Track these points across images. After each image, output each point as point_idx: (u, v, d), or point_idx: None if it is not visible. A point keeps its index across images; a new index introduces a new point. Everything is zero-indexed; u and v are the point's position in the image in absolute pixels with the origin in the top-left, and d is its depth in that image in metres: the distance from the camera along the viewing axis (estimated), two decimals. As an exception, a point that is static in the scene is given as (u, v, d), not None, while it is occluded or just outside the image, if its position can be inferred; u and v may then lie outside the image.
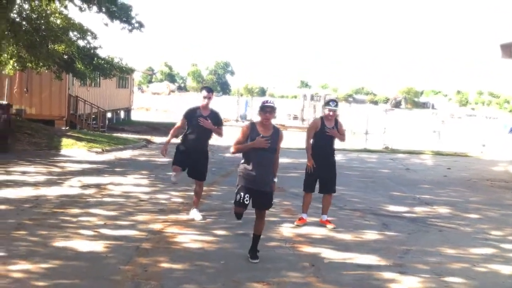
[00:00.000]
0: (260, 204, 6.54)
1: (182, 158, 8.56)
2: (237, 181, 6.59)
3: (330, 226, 8.50)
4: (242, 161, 6.57)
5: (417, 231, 8.62)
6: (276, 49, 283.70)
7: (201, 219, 8.47)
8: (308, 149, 8.66)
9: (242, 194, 6.42)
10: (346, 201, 10.77)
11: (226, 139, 8.86)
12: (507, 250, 7.72)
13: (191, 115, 8.48)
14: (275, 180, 6.64)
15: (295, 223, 8.55)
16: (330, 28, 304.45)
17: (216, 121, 8.51)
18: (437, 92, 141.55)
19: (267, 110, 6.40)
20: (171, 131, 8.70)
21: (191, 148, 8.50)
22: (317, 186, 8.83)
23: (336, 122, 8.64)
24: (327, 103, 8.80)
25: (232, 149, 6.60)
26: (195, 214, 8.56)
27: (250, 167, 6.42)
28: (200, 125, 8.34)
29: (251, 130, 6.47)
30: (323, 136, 8.55)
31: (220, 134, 8.56)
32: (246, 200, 6.42)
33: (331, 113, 8.54)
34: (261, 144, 6.31)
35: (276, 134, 6.51)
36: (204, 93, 8.50)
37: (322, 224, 8.62)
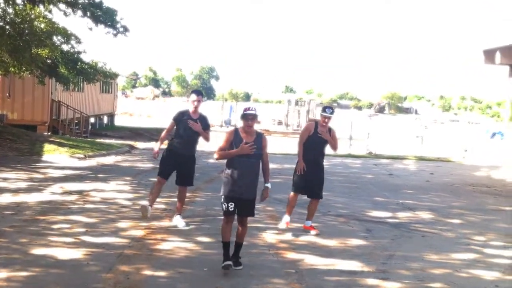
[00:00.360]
0: (242, 211, 6.50)
1: (168, 167, 8.55)
2: (221, 189, 6.53)
3: (313, 232, 8.49)
4: (226, 169, 6.53)
5: (400, 237, 8.65)
6: (261, 55, 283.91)
7: (184, 226, 8.42)
8: (300, 152, 8.65)
9: (226, 203, 6.38)
10: (330, 207, 10.78)
11: (210, 145, 8.84)
12: (489, 255, 7.77)
13: (180, 118, 8.47)
14: (268, 186, 6.61)
15: (283, 227, 8.55)
16: (315, 33, 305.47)
17: (204, 125, 8.51)
18: (420, 98, 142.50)
19: (248, 118, 6.38)
20: (162, 136, 8.70)
21: (179, 152, 8.47)
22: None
23: (330, 129, 8.65)
24: (323, 110, 8.73)
25: (215, 155, 6.57)
26: (178, 221, 8.51)
27: (234, 174, 6.38)
28: (188, 129, 8.34)
29: (235, 136, 6.45)
30: (315, 141, 8.56)
31: (207, 138, 8.56)
32: (231, 208, 6.37)
33: (326, 119, 8.54)
34: (244, 150, 6.28)
35: (259, 140, 6.47)
36: (193, 96, 8.48)
37: (305, 230, 8.62)
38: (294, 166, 8.86)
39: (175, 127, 8.56)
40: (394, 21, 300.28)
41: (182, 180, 8.66)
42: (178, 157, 8.47)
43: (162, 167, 8.67)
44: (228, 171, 6.44)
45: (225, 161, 6.59)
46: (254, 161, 6.42)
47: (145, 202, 8.77)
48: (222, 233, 6.46)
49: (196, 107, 8.45)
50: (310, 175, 8.57)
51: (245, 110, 6.46)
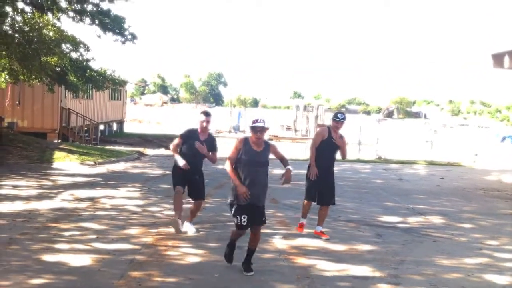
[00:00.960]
0: (254, 219, 6.51)
1: (181, 179, 8.55)
2: (231, 197, 6.56)
3: (324, 237, 8.47)
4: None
5: (411, 242, 8.61)
6: (269, 60, 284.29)
7: (195, 232, 8.43)
8: (312, 157, 8.65)
9: (238, 217, 6.43)
10: (340, 212, 10.75)
11: (220, 151, 8.82)
12: (501, 260, 7.72)
13: (188, 137, 8.49)
14: (290, 168, 6.71)
15: (296, 230, 8.72)
16: (323, 39, 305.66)
17: (212, 146, 8.50)
18: (429, 102, 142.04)
19: (257, 130, 6.44)
20: (172, 149, 8.69)
21: (192, 171, 8.46)
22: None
23: (341, 136, 8.65)
24: (335, 116, 8.76)
25: (227, 165, 6.57)
26: (188, 227, 8.51)
27: (244, 184, 6.43)
28: (193, 149, 8.33)
29: (244, 145, 6.50)
30: (328, 146, 8.58)
31: (213, 160, 8.56)
32: (244, 222, 6.42)
33: (338, 125, 8.57)
34: (241, 195, 6.34)
35: (267, 149, 6.59)
36: (202, 117, 8.49)
37: (316, 236, 8.60)
38: (304, 171, 8.85)
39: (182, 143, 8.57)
40: (404, 27, 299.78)
41: (193, 193, 8.69)
42: (185, 174, 8.45)
43: (175, 179, 8.65)
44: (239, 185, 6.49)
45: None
46: (262, 170, 6.51)
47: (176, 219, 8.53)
48: (231, 237, 6.71)
49: (204, 128, 8.46)
50: (321, 182, 8.58)
51: (254, 122, 6.51)
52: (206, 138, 8.46)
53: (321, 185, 8.59)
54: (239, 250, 7.23)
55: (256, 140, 6.48)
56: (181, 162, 8.39)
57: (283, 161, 6.76)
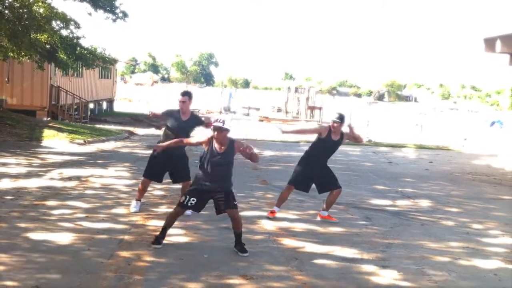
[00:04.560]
0: (224, 204, 6.65)
1: (159, 168, 8.47)
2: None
3: (333, 220, 8.58)
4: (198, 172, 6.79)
5: (399, 225, 8.67)
6: (261, 41, 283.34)
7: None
8: (292, 131, 8.60)
9: (188, 196, 6.64)
10: (329, 194, 10.78)
11: (210, 130, 8.77)
12: (488, 244, 7.80)
13: (169, 116, 8.42)
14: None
15: (267, 215, 8.56)
16: (315, 20, 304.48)
17: (196, 123, 8.42)
18: (420, 85, 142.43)
19: (215, 129, 6.50)
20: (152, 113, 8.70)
21: (170, 153, 8.34)
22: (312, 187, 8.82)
23: (342, 135, 8.54)
24: (335, 117, 8.50)
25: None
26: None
27: (205, 179, 6.63)
28: (178, 129, 8.22)
29: (210, 144, 6.63)
30: (325, 146, 8.50)
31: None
32: (191, 203, 6.63)
33: (335, 124, 8.39)
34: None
35: (231, 148, 6.61)
36: (179, 97, 8.38)
37: (304, 218, 8.64)
38: (295, 153, 8.87)
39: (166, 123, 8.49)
40: (395, 9, 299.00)
41: (178, 177, 8.55)
42: (171, 157, 8.27)
43: (152, 168, 8.53)
44: (200, 175, 6.71)
45: None
46: (224, 168, 6.64)
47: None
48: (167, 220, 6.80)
49: (180, 107, 8.32)
50: (316, 171, 8.56)
51: (214, 121, 6.61)
52: (187, 118, 8.34)
53: (315, 174, 8.55)
54: (229, 231, 7.26)
55: (217, 140, 6.57)
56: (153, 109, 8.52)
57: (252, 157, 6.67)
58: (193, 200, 6.60)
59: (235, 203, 6.69)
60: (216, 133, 6.49)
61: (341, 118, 8.42)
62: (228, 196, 6.64)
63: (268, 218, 8.46)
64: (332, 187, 8.62)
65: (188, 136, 8.18)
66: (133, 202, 8.59)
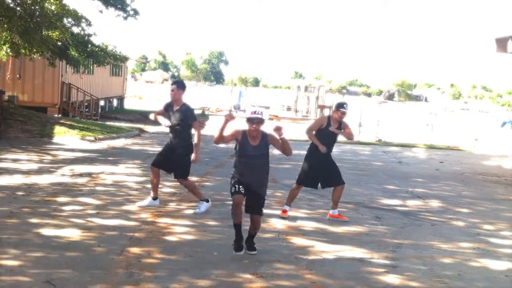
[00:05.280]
0: (252, 207, 6.47)
1: (161, 158, 8.53)
2: (232, 172, 6.62)
3: (343, 219, 8.54)
4: (233, 169, 6.60)
5: (409, 225, 8.65)
6: (271, 40, 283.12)
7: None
8: (312, 137, 8.55)
9: (237, 185, 6.33)
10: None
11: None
12: (499, 245, 7.76)
13: (166, 109, 8.49)
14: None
15: (281, 214, 8.53)
16: (325, 19, 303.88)
17: (185, 117, 8.31)
18: (430, 85, 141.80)
19: (254, 121, 6.29)
20: (154, 116, 8.83)
21: (172, 146, 8.43)
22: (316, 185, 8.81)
23: (340, 123, 8.54)
24: (341, 106, 8.51)
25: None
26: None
27: (242, 174, 6.42)
28: (173, 121, 8.29)
29: (242, 137, 6.40)
30: (326, 135, 8.50)
31: (197, 130, 8.43)
32: (242, 189, 6.29)
33: (339, 113, 8.43)
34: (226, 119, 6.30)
35: (264, 141, 6.43)
36: (170, 86, 8.45)
37: (314, 217, 8.64)
38: (305, 152, 8.84)
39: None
40: (406, 9, 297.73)
41: (174, 171, 8.57)
42: (173, 151, 8.38)
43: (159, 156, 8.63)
44: (236, 171, 6.51)
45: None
46: (260, 162, 6.46)
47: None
48: (233, 219, 6.40)
49: (173, 97, 8.34)
50: (322, 167, 8.54)
51: (251, 113, 6.37)
52: (177, 108, 8.34)
53: (320, 170, 8.53)
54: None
55: (253, 132, 6.34)
56: (164, 121, 8.39)
57: (286, 148, 6.54)
58: (240, 186, 6.31)
59: (262, 209, 6.56)
60: (254, 125, 6.28)
61: (346, 107, 8.46)
62: (259, 200, 6.49)
63: (281, 217, 8.45)
64: (335, 183, 8.59)
65: (181, 127, 8.22)
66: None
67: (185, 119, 8.31)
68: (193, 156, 8.25)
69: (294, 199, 8.82)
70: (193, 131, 8.49)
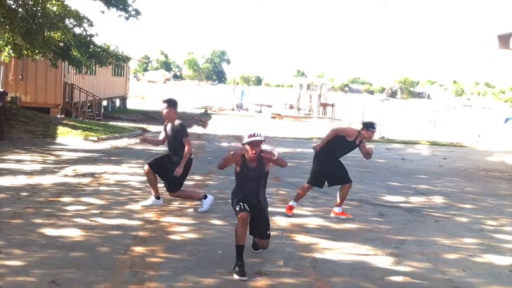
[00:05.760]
0: (260, 231, 6.33)
1: (158, 163, 8.59)
2: (232, 198, 6.38)
3: (346, 217, 8.55)
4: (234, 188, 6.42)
5: (413, 221, 8.65)
6: (273, 38, 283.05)
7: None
8: (320, 144, 8.61)
9: (241, 203, 6.08)
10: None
11: (225, 128, 8.79)
12: (502, 241, 7.76)
13: (164, 126, 8.64)
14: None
15: (286, 213, 8.52)
16: (327, 17, 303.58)
17: (176, 136, 8.36)
18: (433, 82, 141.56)
19: (254, 144, 6.07)
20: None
21: (169, 159, 8.49)
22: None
23: (361, 142, 8.69)
24: (371, 125, 8.64)
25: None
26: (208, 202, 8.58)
27: (246, 196, 6.19)
28: (168, 135, 8.47)
29: (242, 160, 6.21)
30: (347, 146, 8.63)
31: (187, 149, 8.32)
32: (247, 208, 6.04)
33: (369, 133, 8.64)
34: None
35: (260, 161, 6.21)
36: (162, 105, 8.55)
37: (317, 214, 8.65)
38: (307, 150, 8.87)
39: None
40: (408, 5, 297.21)
41: (168, 184, 8.57)
42: (165, 162, 8.51)
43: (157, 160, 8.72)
44: (239, 192, 6.29)
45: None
46: (261, 182, 6.31)
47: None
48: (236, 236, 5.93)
49: (165, 116, 8.46)
50: (329, 168, 8.58)
51: (250, 136, 6.08)
52: (170, 126, 8.45)
53: (330, 168, 8.57)
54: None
55: (253, 156, 6.11)
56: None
57: (280, 163, 6.47)
58: (246, 204, 6.05)
59: (269, 232, 6.37)
60: (254, 151, 6.07)
61: (376, 126, 8.72)
62: (266, 222, 6.33)
63: (286, 215, 8.46)
64: (342, 181, 8.62)
65: (176, 143, 8.32)
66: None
67: (178, 136, 8.38)
68: (177, 168, 8.24)
69: (301, 198, 8.85)
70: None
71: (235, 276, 5.63)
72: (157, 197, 8.64)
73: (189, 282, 5.41)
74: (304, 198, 9.29)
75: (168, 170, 8.36)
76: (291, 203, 8.67)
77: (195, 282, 5.43)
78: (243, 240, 5.88)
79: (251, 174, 6.20)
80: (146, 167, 8.62)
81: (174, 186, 8.46)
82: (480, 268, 6.44)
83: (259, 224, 6.28)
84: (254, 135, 6.07)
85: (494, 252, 7.13)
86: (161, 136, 8.75)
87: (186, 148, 8.30)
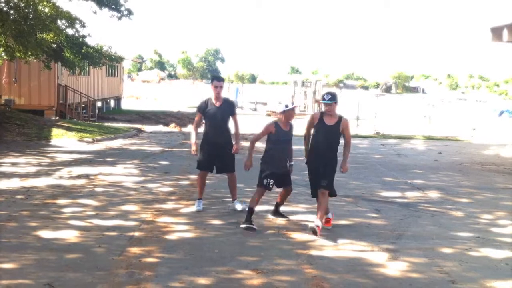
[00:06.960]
0: (285, 183, 7.85)
1: (207, 159, 8.45)
2: (262, 167, 7.68)
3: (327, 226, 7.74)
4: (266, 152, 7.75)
5: (409, 216, 8.65)
6: (267, 36, 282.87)
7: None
8: (304, 143, 7.90)
9: (268, 179, 7.59)
10: (337, 187, 10.70)
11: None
12: (498, 234, 7.77)
13: (204, 107, 8.42)
14: (292, 163, 7.94)
15: (323, 225, 7.57)
16: (321, 13, 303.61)
17: (230, 110, 8.47)
18: (427, 76, 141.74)
19: (287, 111, 7.75)
20: (193, 129, 8.72)
21: (214, 142, 8.35)
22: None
23: (340, 119, 7.62)
24: (322, 97, 7.71)
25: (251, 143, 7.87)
26: (237, 205, 8.50)
27: (278, 162, 7.69)
28: (215, 116, 8.30)
29: (276, 128, 7.64)
30: (320, 131, 7.61)
31: (237, 132, 8.58)
32: (271, 186, 7.63)
33: (327, 107, 7.54)
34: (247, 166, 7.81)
35: (291, 126, 7.82)
36: (216, 82, 8.35)
37: (313, 211, 8.55)
38: (302, 146, 8.53)
39: (203, 117, 8.50)
40: (401, 1, 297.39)
41: (222, 168, 8.54)
42: (215, 149, 8.34)
43: (200, 164, 8.54)
44: (268, 162, 7.68)
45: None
46: (289, 142, 7.82)
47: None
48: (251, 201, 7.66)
49: (218, 93, 8.35)
50: (317, 165, 7.70)
51: (286, 106, 7.72)
52: (221, 104, 8.36)
53: (315, 167, 7.71)
54: (238, 226, 7.28)
55: (286, 120, 7.72)
56: (192, 141, 8.62)
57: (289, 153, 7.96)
58: (272, 182, 7.62)
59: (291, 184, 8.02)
60: (287, 113, 7.66)
61: (333, 97, 7.52)
62: (289, 176, 7.93)
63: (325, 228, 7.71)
64: (319, 185, 7.68)
65: (227, 119, 8.47)
66: (196, 202, 8.60)
67: (228, 113, 8.58)
68: (235, 145, 8.45)
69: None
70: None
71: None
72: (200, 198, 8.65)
73: (185, 282, 5.40)
74: (300, 196, 9.29)
75: (221, 155, 8.36)
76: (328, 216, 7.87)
77: (191, 281, 5.42)
78: (254, 204, 7.60)
79: (285, 136, 7.67)
80: (200, 173, 8.57)
81: (231, 165, 8.50)
82: (476, 261, 6.45)
83: (284, 179, 7.84)
84: (287, 106, 7.72)
85: (491, 245, 7.13)
86: (198, 122, 8.63)
87: (238, 124, 8.62)
